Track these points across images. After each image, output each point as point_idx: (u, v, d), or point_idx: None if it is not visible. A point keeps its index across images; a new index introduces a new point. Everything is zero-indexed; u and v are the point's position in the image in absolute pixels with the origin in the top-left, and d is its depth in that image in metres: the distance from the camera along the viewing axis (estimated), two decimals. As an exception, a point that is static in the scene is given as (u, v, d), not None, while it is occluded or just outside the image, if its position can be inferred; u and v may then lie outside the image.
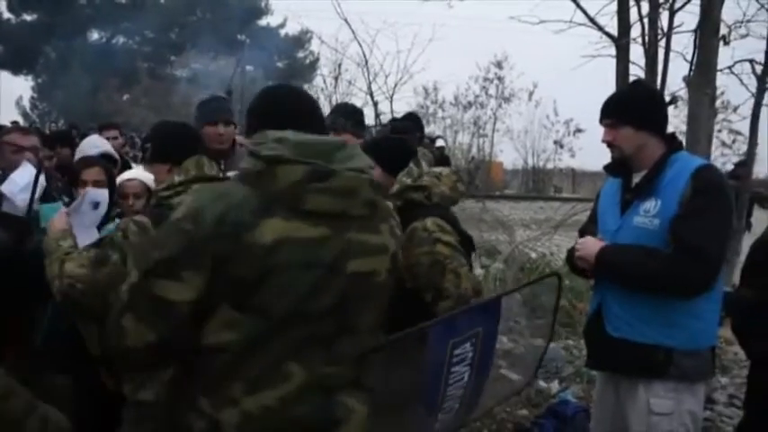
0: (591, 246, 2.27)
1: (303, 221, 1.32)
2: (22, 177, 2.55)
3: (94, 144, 3.67)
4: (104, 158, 3.38)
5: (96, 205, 2.42)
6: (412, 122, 5.08)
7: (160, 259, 1.30)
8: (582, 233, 2.53)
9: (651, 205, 2.19)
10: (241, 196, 1.32)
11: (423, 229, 2.17)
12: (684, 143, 4.97)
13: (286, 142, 1.35)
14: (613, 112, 2.29)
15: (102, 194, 2.49)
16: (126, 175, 2.80)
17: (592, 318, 2.38)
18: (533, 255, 7.04)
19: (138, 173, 2.75)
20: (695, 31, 5.28)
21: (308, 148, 1.36)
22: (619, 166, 2.35)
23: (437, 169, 2.48)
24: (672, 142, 2.29)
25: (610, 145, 2.31)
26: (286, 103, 1.62)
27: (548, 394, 4.15)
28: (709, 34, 4.86)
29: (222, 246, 1.28)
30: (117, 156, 3.69)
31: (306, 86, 28.74)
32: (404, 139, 2.70)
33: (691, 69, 5.53)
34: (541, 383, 4.30)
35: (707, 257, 2.10)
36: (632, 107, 2.28)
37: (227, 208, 1.30)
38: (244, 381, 1.32)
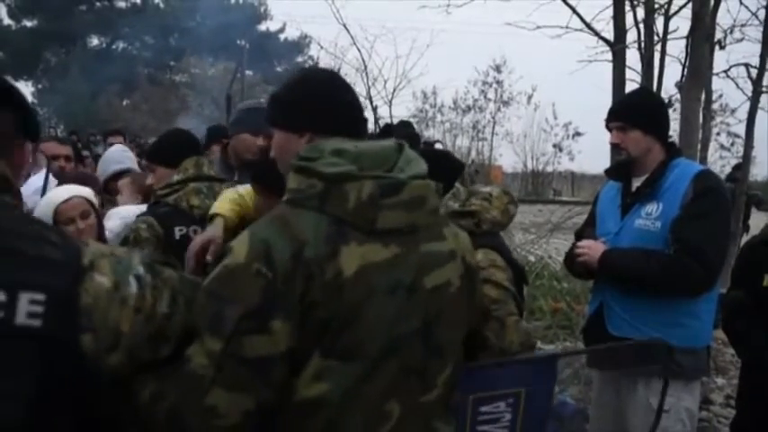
0: (593, 249, 2.32)
1: (376, 242, 1.17)
2: (36, 181, 2.67)
3: (116, 159, 3.19)
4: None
5: None
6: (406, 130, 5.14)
7: (243, 315, 1.10)
8: (578, 236, 2.59)
9: (653, 208, 2.26)
10: (310, 224, 1.15)
11: None
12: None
13: (347, 154, 1.19)
14: (624, 116, 2.36)
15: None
16: (55, 196, 2.25)
17: (592, 318, 2.43)
18: (532, 258, 7.08)
19: (72, 189, 2.30)
20: (687, 36, 5.35)
21: (370, 158, 1.20)
22: (620, 170, 2.41)
23: (486, 189, 2.09)
24: (672, 149, 2.37)
25: (617, 147, 2.37)
26: (340, 100, 1.33)
27: (546, 396, 4.19)
28: (700, 40, 4.93)
29: (306, 286, 1.11)
30: (139, 170, 3.32)
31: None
32: (447, 153, 2.44)
33: (683, 74, 5.60)
34: (540, 385, 4.34)
35: (708, 258, 2.17)
36: (642, 112, 2.36)
37: (298, 241, 1.13)
38: (349, 429, 1.17)
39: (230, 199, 2.01)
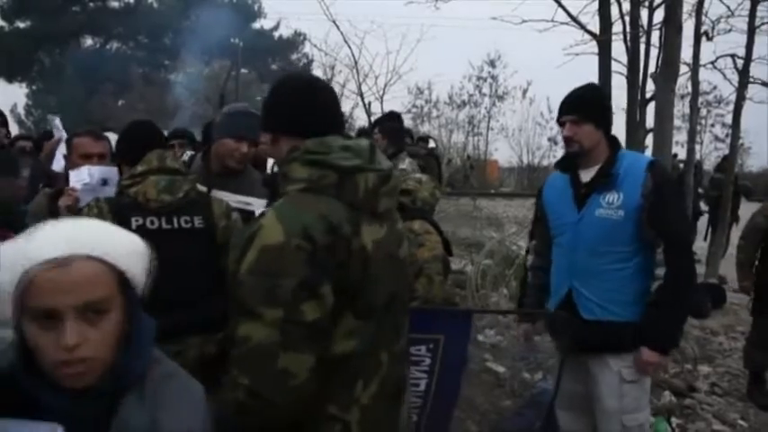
0: (651, 364, 2.36)
1: (376, 223, 1.42)
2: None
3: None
4: None
5: (105, 182, 2.43)
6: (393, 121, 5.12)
7: (297, 285, 1.27)
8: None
9: (613, 197, 2.36)
10: (334, 207, 1.35)
11: (409, 231, 2.30)
12: (653, 138, 5.08)
13: (354, 150, 1.42)
14: (577, 109, 2.43)
15: (111, 171, 2.44)
16: (36, 251, 1.28)
17: (562, 305, 2.50)
18: (521, 252, 7.13)
19: (75, 236, 1.15)
20: (660, 28, 5.38)
21: (364, 154, 1.44)
22: (569, 163, 2.51)
23: (418, 176, 2.74)
24: (615, 142, 2.49)
25: (569, 140, 2.44)
26: (328, 102, 1.53)
27: (531, 385, 4.24)
28: (672, 32, 4.96)
29: (341, 254, 1.32)
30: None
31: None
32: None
33: (657, 66, 5.64)
34: (525, 375, 4.40)
35: (689, 243, 2.55)
36: (594, 106, 2.45)
37: (329, 218, 1.32)
38: (363, 380, 1.40)
39: None
